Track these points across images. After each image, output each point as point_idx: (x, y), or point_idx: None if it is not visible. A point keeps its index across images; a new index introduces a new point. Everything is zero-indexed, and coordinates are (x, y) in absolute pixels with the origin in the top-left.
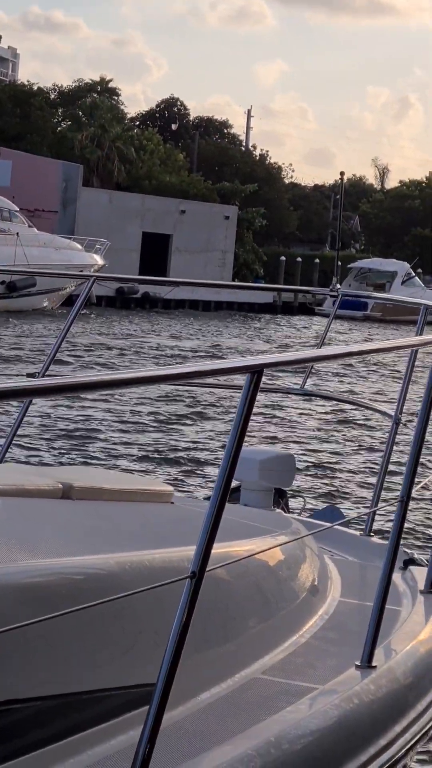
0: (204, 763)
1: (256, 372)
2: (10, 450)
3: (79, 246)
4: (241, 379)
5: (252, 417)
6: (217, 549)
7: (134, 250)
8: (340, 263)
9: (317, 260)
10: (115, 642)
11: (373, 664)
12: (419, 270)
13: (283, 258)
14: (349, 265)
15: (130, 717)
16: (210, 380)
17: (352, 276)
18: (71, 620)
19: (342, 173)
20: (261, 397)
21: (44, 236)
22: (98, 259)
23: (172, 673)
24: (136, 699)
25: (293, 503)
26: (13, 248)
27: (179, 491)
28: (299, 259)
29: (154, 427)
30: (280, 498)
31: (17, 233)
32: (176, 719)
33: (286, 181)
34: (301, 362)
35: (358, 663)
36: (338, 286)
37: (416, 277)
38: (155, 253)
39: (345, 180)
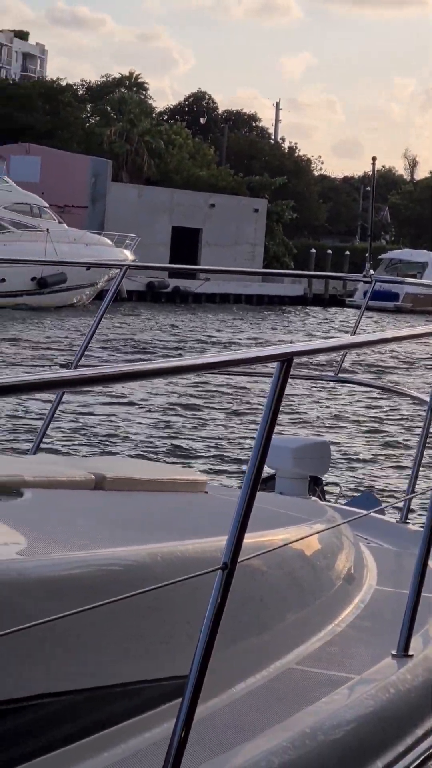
0: (239, 755)
1: (285, 360)
2: (43, 441)
3: (109, 241)
4: (273, 368)
5: (286, 404)
6: (251, 538)
7: (164, 244)
8: (368, 251)
9: (347, 252)
10: (147, 634)
11: (410, 652)
12: None
13: (313, 250)
14: (379, 256)
15: (163, 709)
16: (240, 369)
17: (383, 267)
18: (103, 612)
19: (374, 158)
20: (296, 385)
21: (74, 232)
22: (128, 255)
23: (204, 665)
24: (169, 691)
25: (329, 491)
26: (43, 244)
27: (213, 480)
28: (329, 251)
29: (187, 416)
30: (315, 486)
31: (47, 229)
32: (211, 711)
33: (315, 173)
34: (332, 350)
35: (394, 652)
36: (371, 272)
37: None
38: (185, 247)
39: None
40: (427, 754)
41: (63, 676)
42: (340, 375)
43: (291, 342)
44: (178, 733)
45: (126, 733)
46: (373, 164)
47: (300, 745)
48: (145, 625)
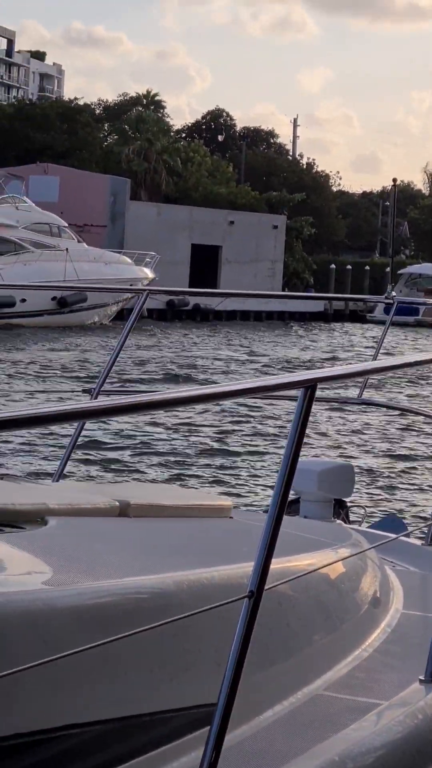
0: None
1: (309, 387)
2: (67, 468)
3: (129, 260)
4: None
5: (311, 427)
6: (277, 564)
7: (184, 262)
8: (390, 270)
9: (367, 267)
10: (174, 662)
11: None
12: None
13: (333, 266)
14: (399, 271)
15: (191, 738)
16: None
17: (403, 282)
18: (130, 641)
19: (395, 180)
20: (320, 407)
21: (94, 251)
22: (148, 273)
23: (233, 693)
24: (197, 720)
25: (353, 514)
26: (63, 264)
27: (238, 505)
28: (349, 266)
29: (211, 441)
30: (340, 509)
31: (67, 249)
32: (238, 739)
33: (334, 188)
34: (355, 375)
35: (422, 677)
36: (393, 293)
37: None
38: (205, 264)
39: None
40: None
41: (91, 705)
42: (363, 397)
43: (314, 367)
44: (207, 762)
45: (154, 763)
46: (394, 186)
47: None
48: (172, 652)
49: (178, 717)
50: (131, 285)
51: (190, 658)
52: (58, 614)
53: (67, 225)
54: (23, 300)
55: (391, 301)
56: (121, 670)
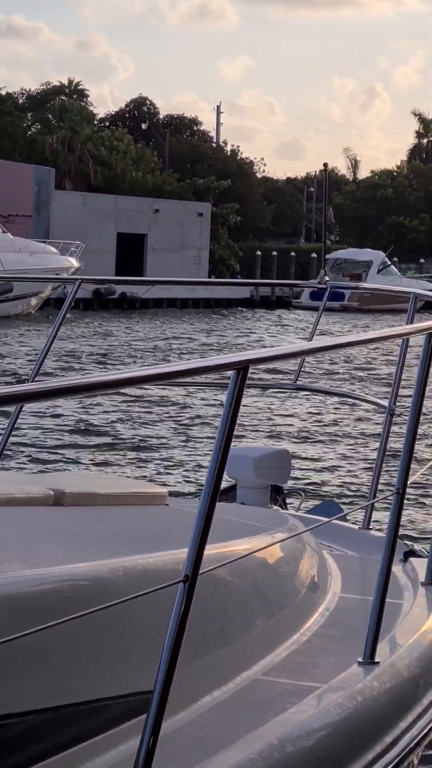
0: None
1: (242, 368)
2: (1, 458)
3: (54, 249)
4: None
5: (245, 413)
6: (213, 549)
7: (110, 251)
8: (316, 255)
9: (293, 253)
10: (110, 650)
11: (376, 659)
12: (395, 259)
13: (258, 253)
14: (326, 256)
15: (129, 726)
16: (197, 379)
17: (328, 267)
18: (65, 630)
19: (325, 165)
20: (254, 394)
21: (19, 241)
22: (74, 262)
23: (168, 679)
24: (134, 708)
25: (290, 500)
26: None
27: (173, 493)
28: (275, 253)
29: (145, 428)
30: (276, 495)
31: None
32: (177, 725)
33: (259, 175)
34: (289, 357)
35: (360, 659)
36: (326, 278)
37: (392, 266)
38: (131, 253)
39: (317, 173)
40: (396, 761)
41: (26, 695)
42: (299, 382)
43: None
44: (144, 750)
45: (91, 752)
46: (325, 170)
47: (268, 757)
48: (107, 641)
49: (115, 705)
50: (57, 275)
51: (126, 646)
52: None
53: None
54: None
55: (325, 286)
56: (56, 660)
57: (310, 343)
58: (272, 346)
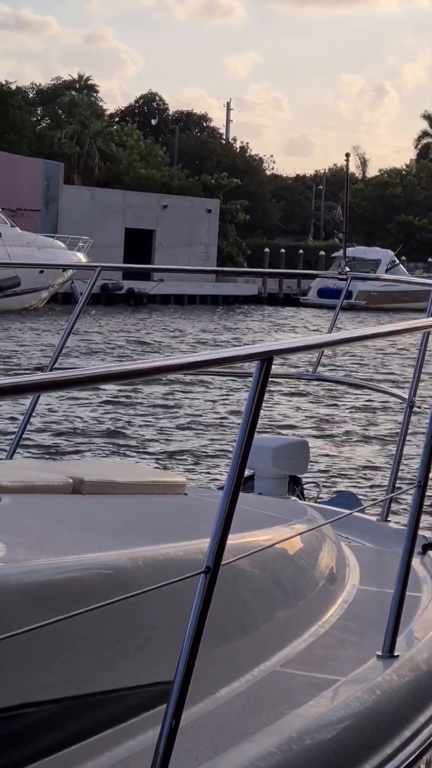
0: (225, 761)
1: (266, 359)
2: (20, 445)
3: (62, 244)
4: (251, 367)
5: (264, 404)
6: (233, 540)
7: (117, 246)
8: (323, 253)
9: (301, 251)
10: (130, 640)
11: (395, 653)
12: (403, 257)
13: (267, 250)
14: (333, 254)
15: (148, 716)
16: (220, 369)
17: (336, 265)
18: (84, 619)
19: (347, 155)
20: (272, 384)
21: (27, 235)
22: (81, 257)
23: (189, 670)
24: (153, 697)
25: (308, 490)
26: None
27: (193, 482)
28: (283, 250)
29: (165, 417)
30: (294, 485)
31: (0, 233)
32: (196, 716)
33: (268, 172)
34: (313, 348)
35: (379, 653)
36: (347, 269)
37: (400, 265)
38: (138, 248)
39: (326, 170)
40: (415, 755)
41: (45, 684)
42: (318, 373)
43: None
44: (164, 740)
45: (111, 741)
46: (347, 161)
47: (287, 749)
48: (128, 631)
49: (134, 695)
50: (63, 270)
51: (146, 636)
52: (11, 592)
53: (0, 209)
54: None
55: (345, 277)
56: (76, 649)
57: (332, 334)
58: (294, 338)
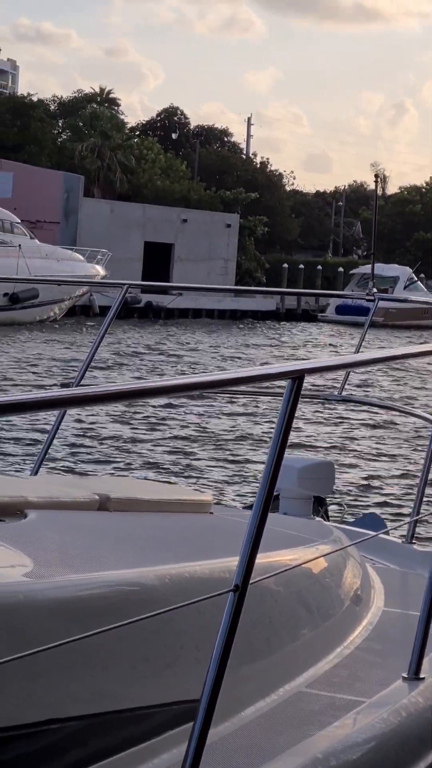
0: None
1: (296, 378)
2: (45, 461)
3: (80, 257)
4: (277, 387)
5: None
6: (259, 560)
7: (136, 259)
8: (342, 269)
9: (320, 267)
10: (157, 657)
11: (421, 675)
12: (422, 275)
13: (285, 265)
14: (351, 271)
15: (174, 734)
16: (247, 387)
17: (355, 282)
18: (111, 636)
19: (376, 175)
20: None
21: (46, 247)
22: (100, 270)
23: (216, 689)
24: (179, 716)
25: (333, 512)
26: (15, 260)
27: (218, 501)
28: (302, 266)
29: (191, 435)
30: (319, 506)
31: (19, 245)
32: (221, 735)
33: (287, 188)
34: (343, 367)
35: (405, 675)
36: (374, 290)
37: (419, 282)
38: (157, 262)
39: (345, 187)
40: None
41: (72, 700)
42: (344, 394)
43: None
44: (190, 758)
45: (136, 759)
46: (376, 181)
47: None
48: (155, 648)
49: (160, 713)
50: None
51: (173, 654)
52: (38, 608)
53: (19, 221)
54: None
55: (373, 298)
56: (103, 665)
57: (362, 354)
58: (325, 357)
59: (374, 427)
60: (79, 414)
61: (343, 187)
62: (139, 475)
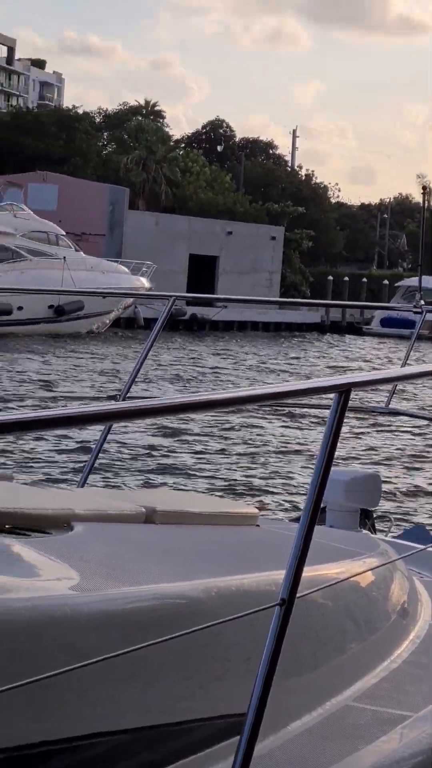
0: None
1: (344, 391)
2: (92, 474)
3: (125, 269)
4: (325, 399)
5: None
6: (306, 573)
7: (181, 272)
8: (387, 282)
9: (365, 279)
10: (204, 671)
11: None
12: None
13: (330, 278)
14: (397, 284)
15: (220, 748)
16: (294, 400)
17: (400, 294)
18: (158, 649)
19: (424, 188)
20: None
21: (91, 260)
22: (145, 282)
23: (263, 703)
24: (226, 729)
25: (380, 524)
26: (60, 272)
27: (265, 514)
28: (346, 278)
29: (236, 447)
30: (366, 519)
31: (64, 257)
32: (267, 749)
33: (332, 200)
34: (390, 381)
35: None
36: (422, 302)
37: None
38: (202, 274)
39: (390, 199)
40: None
41: (118, 714)
42: (391, 406)
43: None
44: None
45: None
46: (424, 193)
47: None
48: (201, 661)
49: (207, 726)
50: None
51: (220, 667)
52: (85, 620)
53: (64, 233)
54: (20, 308)
55: (420, 311)
56: (149, 679)
57: (410, 367)
58: (373, 370)
59: (420, 439)
60: (126, 426)
61: (388, 200)
62: (185, 488)
